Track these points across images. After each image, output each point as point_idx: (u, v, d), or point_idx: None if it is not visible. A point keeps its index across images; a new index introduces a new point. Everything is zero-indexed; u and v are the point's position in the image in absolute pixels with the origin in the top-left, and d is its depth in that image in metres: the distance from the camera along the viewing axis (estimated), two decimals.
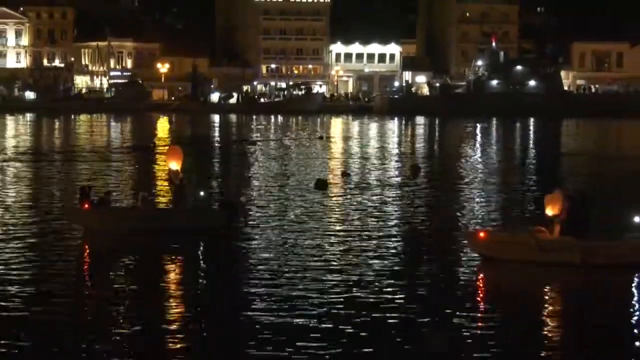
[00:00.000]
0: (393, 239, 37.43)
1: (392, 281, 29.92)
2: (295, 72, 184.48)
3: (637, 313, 27.65)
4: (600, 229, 34.16)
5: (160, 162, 71.37)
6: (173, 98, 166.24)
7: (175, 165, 39.19)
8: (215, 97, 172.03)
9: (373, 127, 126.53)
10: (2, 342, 22.97)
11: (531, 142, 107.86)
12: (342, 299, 27.46)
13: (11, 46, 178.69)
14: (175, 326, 24.85)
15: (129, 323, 24.95)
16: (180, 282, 30.54)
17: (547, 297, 29.39)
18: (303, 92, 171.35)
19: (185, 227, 37.38)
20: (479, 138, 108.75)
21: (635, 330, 25.67)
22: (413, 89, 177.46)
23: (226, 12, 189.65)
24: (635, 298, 29.68)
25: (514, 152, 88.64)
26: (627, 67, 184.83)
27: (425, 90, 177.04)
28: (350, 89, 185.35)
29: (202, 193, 42.78)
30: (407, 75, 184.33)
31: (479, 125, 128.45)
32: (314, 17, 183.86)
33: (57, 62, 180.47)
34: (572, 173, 65.17)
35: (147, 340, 23.59)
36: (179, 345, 23.15)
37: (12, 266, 31.57)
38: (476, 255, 33.13)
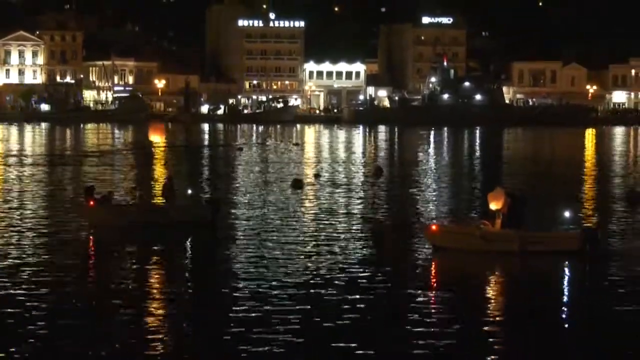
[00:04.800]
0: (358, 231, 37.37)
1: (356, 266, 29.88)
2: (274, 87, 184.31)
3: (565, 291, 27.92)
4: (535, 222, 34.27)
5: (155, 164, 71.18)
6: (170, 109, 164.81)
7: (158, 139, 38.75)
8: (204, 109, 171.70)
9: (341, 135, 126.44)
10: (15, 321, 22.80)
11: (477, 147, 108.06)
12: (314, 281, 27.43)
13: (29, 65, 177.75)
14: (166, 307, 24.73)
15: (126, 306, 24.79)
16: (172, 268, 30.36)
17: (490, 280, 29.39)
18: (280, 104, 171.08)
19: (177, 220, 37.20)
20: (432, 144, 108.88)
21: (563, 304, 25.99)
22: (376, 102, 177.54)
23: (214, 36, 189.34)
24: (564, 278, 29.85)
25: (463, 156, 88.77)
26: (559, 83, 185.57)
27: (386, 103, 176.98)
28: (321, 102, 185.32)
29: (189, 191, 42.60)
30: (371, 90, 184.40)
31: (432, 133, 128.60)
32: (290, 40, 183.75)
33: (68, 79, 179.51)
34: (512, 174, 65.24)
35: (144, 320, 23.43)
36: (172, 323, 23.01)
37: (26, 255, 31.37)
38: (429, 245, 33.10)
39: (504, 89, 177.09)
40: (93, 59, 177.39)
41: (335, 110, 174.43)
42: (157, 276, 28.91)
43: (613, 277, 29.14)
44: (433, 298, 26.28)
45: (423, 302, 25.50)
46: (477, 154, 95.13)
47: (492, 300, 26.51)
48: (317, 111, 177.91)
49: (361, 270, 29.44)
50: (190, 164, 72.30)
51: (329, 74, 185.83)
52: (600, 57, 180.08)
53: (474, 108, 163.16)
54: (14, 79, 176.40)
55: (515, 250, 31.56)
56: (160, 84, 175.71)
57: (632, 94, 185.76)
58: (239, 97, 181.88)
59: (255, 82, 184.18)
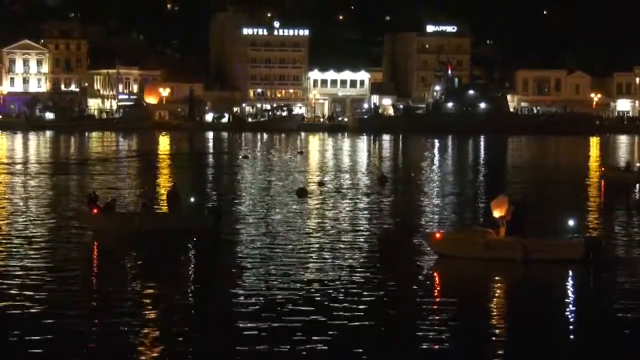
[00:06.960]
0: (362, 239, 37.36)
1: (360, 274, 29.86)
2: (278, 95, 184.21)
3: (569, 299, 27.83)
4: (539, 230, 34.26)
5: (159, 172, 71.24)
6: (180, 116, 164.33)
7: (152, 100, 38.64)
8: (209, 117, 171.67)
9: (346, 143, 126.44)
10: (17, 327, 22.80)
11: (481, 155, 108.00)
12: (317, 288, 27.41)
13: (33, 73, 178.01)
14: (168, 315, 24.72)
15: (128, 313, 24.79)
16: (175, 275, 30.35)
17: (493, 288, 29.37)
18: (285, 113, 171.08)
19: (179, 228, 37.21)
20: (436, 152, 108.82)
21: (567, 312, 25.89)
22: (380, 110, 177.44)
23: (219, 45, 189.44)
24: (568, 287, 29.78)
25: (467, 164, 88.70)
26: (564, 91, 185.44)
27: (391, 111, 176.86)
28: (326, 110, 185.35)
29: (192, 199, 42.55)
30: (375, 99, 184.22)
31: (436, 141, 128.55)
32: (295, 48, 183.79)
33: (72, 87, 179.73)
34: (516, 182, 65.16)
35: (146, 327, 23.43)
36: (175, 329, 23.00)
37: (30, 261, 31.39)
38: (433, 253, 33.06)
39: (509, 97, 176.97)
40: (98, 67, 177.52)
41: (340, 119, 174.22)
42: (159, 284, 28.87)
43: (617, 285, 29.11)
44: (436, 305, 26.24)
45: (426, 309, 25.47)
46: (481, 162, 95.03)
47: (496, 308, 26.48)
48: (322, 119, 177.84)
49: (365, 277, 29.40)
50: (194, 172, 72.30)
51: (333, 82, 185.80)
52: (604, 65, 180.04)
53: (478, 116, 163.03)
54: (18, 87, 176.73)
55: (518, 258, 31.53)
56: (164, 92, 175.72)
57: (637, 102, 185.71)
58: (244, 105, 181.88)
59: (259, 90, 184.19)
